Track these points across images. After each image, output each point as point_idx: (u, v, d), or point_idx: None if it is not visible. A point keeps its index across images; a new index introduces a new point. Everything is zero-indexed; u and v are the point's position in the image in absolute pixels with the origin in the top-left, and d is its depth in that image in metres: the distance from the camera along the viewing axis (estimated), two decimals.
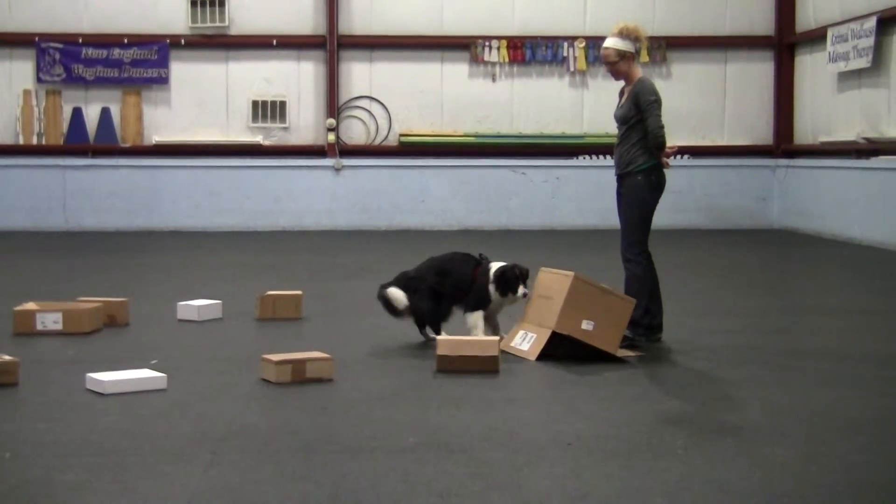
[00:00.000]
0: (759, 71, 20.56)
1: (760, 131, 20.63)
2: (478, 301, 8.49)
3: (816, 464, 5.52)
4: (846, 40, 17.81)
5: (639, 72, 8.72)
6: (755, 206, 20.47)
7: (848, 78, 18.14)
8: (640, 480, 5.25)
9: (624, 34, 8.59)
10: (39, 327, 8.97)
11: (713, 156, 20.36)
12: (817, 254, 16.52)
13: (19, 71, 19.67)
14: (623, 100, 8.73)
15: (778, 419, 6.42)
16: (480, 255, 8.81)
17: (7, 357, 7.22)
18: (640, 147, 8.53)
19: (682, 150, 19.27)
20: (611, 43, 8.59)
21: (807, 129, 19.86)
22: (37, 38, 19.51)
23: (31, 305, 9.20)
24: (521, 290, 8.37)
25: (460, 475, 5.31)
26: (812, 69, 19.63)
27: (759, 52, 20.55)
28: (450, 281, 8.62)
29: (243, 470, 5.37)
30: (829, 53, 18.40)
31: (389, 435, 5.98)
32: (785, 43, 20.30)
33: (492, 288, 8.45)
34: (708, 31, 20.35)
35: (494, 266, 8.57)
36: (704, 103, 20.43)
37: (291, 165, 19.95)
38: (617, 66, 8.61)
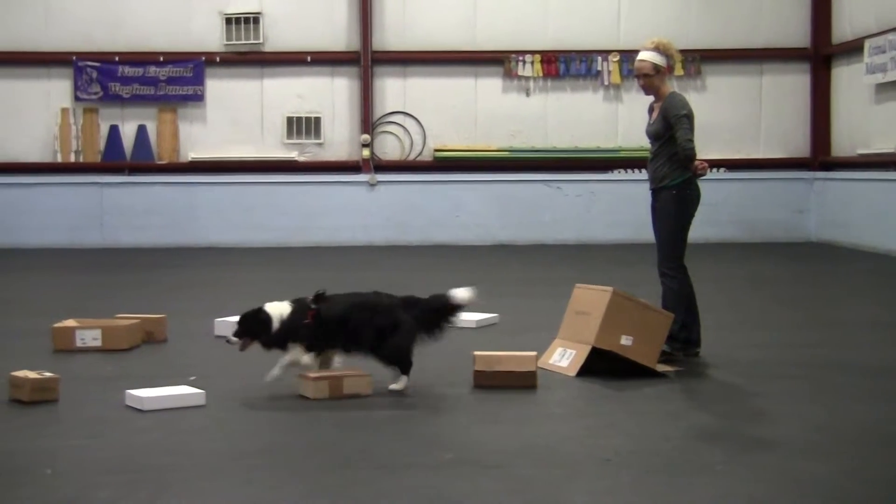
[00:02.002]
0: (794, 83, 20.44)
1: (797, 144, 20.50)
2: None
3: (855, 480, 5.47)
4: (883, 51, 17.68)
5: (669, 87, 8.70)
6: (792, 218, 20.32)
7: (885, 89, 18.00)
8: (679, 496, 5.21)
9: (660, 49, 8.57)
10: (79, 344, 9.03)
11: (749, 169, 20.25)
12: (855, 267, 16.38)
13: (57, 89, 19.85)
14: (654, 116, 8.71)
15: (816, 435, 6.36)
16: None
17: (48, 374, 7.27)
18: (673, 162, 8.49)
19: (717, 164, 19.18)
20: (647, 56, 8.57)
21: (844, 141, 19.72)
22: (74, 57, 19.68)
23: (70, 322, 9.26)
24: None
25: (497, 491, 5.29)
26: (849, 80, 19.50)
27: (795, 64, 20.42)
28: None
29: (280, 486, 5.37)
30: (867, 65, 18.27)
31: (426, 451, 5.97)
32: (821, 54, 20.18)
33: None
34: (742, 44, 20.26)
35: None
36: (740, 116, 20.33)
37: (326, 181, 20.01)
38: (652, 79, 8.58)
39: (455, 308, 7.57)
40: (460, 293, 7.57)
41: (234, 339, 7.54)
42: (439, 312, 7.56)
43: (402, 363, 7.50)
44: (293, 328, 7.47)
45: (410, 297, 7.69)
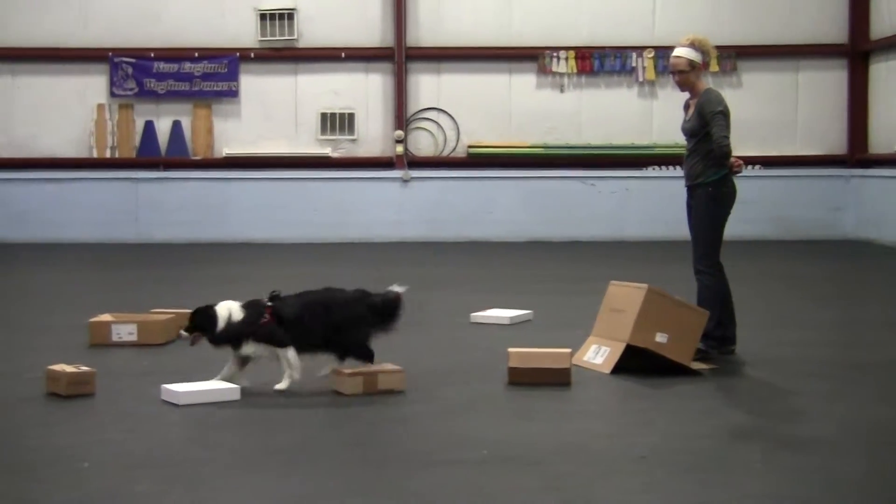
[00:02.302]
0: (831, 79, 20.28)
1: (833, 140, 20.35)
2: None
3: (889, 481, 5.43)
4: None
5: (705, 84, 8.65)
6: (828, 216, 20.16)
7: None
8: (715, 495, 5.18)
9: (696, 45, 8.52)
10: (115, 339, 9.08)
11: (785, 166, 20.11)
12: (891, 265, 16.25)
13: (93, 85, 19.96)
14: (689, 113, 8.66)
15: (854, 433, 6.32)
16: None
17: (84, 367, 7.32)
18: (709, 159, 8.44)
19: (753, 161, 19.07)
20: (683, 52, 8.52)
21: (881, 138, 19.55)
22: (110, 53, 19.79)
23: (106, 317, 9.32)
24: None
25: (533, 488, 5.28)
26: (887, 76, 19.33)
27: (832, 60, 20.26)
28: None
29: (316, 482, 5.39)
30: None
31: (461, 447, 5.97)
32: (858, 50, 20.01)
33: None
34: (778, 40, 20.11)
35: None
36: (775, 112, 20.19)
37: (359, 177, 20.03)
38: (687, 76, 8.53)
39: (399, 300, 7.66)
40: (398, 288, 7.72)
41: (185, 333, 7.57)
42: (388, 306, 7.65)
43: (362, 355, 7.55)
44: (250, 327, 7.43)
45: (361, 291, 7.77)
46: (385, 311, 7.64)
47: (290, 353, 7.43)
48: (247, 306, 7.52)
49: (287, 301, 7.58)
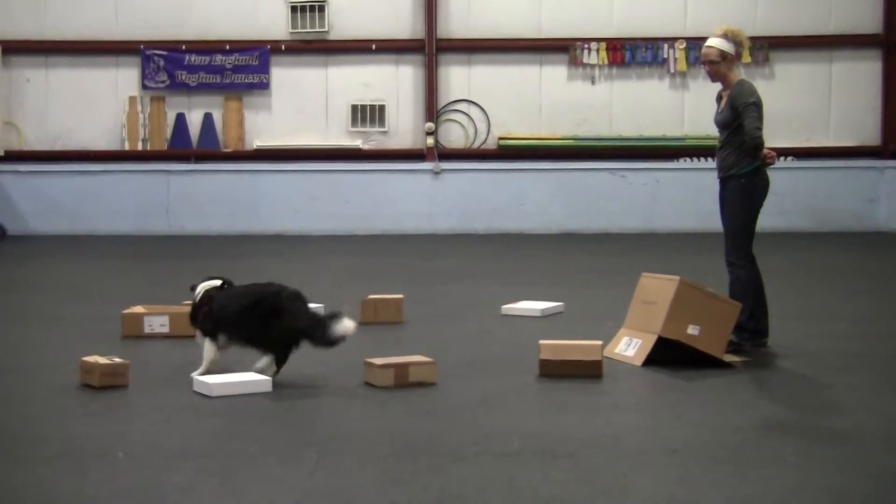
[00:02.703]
0: (866, 70, 20.12)
1: (868, 132, 20.19)
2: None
3: None
4: None
5: (737, 75, 8.60)
6: (862, 208, 20.02)
7: None
8: (749, 488, 5.16)
9: (728, 36, 8.48)
10: (147, 330, 9.13)
11: (818, 157, 19.96)
12: None
13: (125, 78, 20.06)
14: (722, 105, 8.62)
15: (889, 426, 6.27)
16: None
17: (118, 359, 7.36)
18: (741, 151, 8.39)
19: (786, 153, 18.95)
20: (714, 43, 8.48)
21: None
22: (142, 46, 19.87)
23: (138, 309, 9.37)
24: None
25: (566, 480, 5.27)
26: None
27: (867, 51, 20.10)
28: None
29: (349, 473, 5.40)
30: None
31: (494, 439, 5.96)
32: (893, 41, 19.83)
33: None
34: (812, 31, 19.96)
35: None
36: (809, 104, 20.05)
37: (390, 169, 20.04)
38: (718, 66, 8.49)
39: (329, 341, 7.33)
40: (342, 328, 7.28)
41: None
42: (322, 333, 7.32)
43: (278, 353, 7.37)
44: (194, 313, 7.64)
45: (299, 294, 7.51)
46: (318, 336, 7.33)
47: (206, 343, 7.49)
48: (205, 290, 7.68)
49: (227, 292, 7.62)
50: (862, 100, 20.11)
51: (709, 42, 8.54)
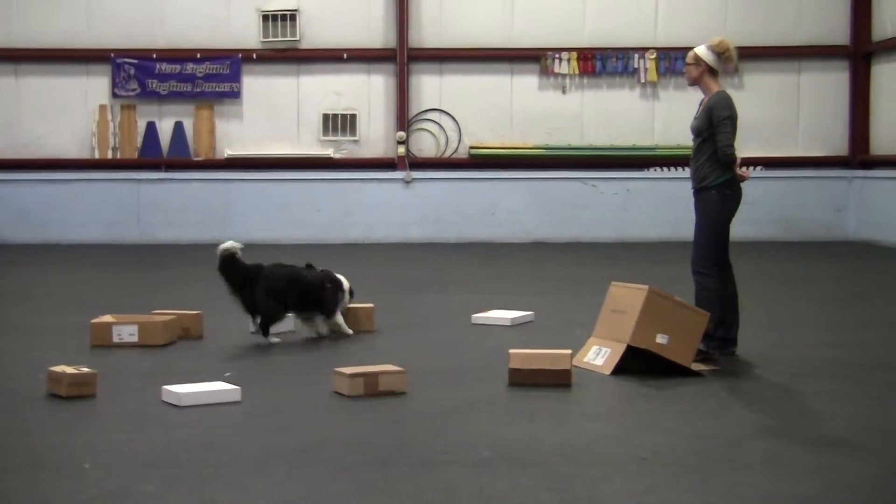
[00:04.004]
0: (834, 81, 20.28)
1: (835, 142, 20.35)
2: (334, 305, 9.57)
3: None
4: None
5: (718, 85, 8.66)
6: (831, 217, 20.17)
7: None
8: (718, 496, 5.18)
9: (712, 46, 8.59)
10: (116, 339, 9.09)
11: (787, 167, 20.11)
12: (893, 266, 16.24)
13: (95, 86, 19.98)
14: (699, 111, 8.69)
15: (858, 434, 6.31)
16: (309, 264, 9.81)
17: (86, 369, 7.32)
18: (714, 161, 8.45)
19: (755, 162, 19.09)
20: (696, 48, 8.63)
21: (883, 140, 19.55)
22: (112, 54, 19.80)
23: (107, 318, 9.32)
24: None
25: (535, 489, 5.28)
26: (889, 78, 19.32)
27: (834, 62, 20.27)
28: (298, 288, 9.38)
29: (319, 483, 5.39)
30: None
31: (463, 448, 5.97)
32: (860, 52, 20.01)
33: (347, 297, 9.68)
34: (781, 41, 20.12)
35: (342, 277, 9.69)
36: (778, 114, 20.19)
37: (362, 178, 20.04)
38: (690, 69, 8.65)
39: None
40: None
41: None
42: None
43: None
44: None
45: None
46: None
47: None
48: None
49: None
50: (830, 110, 20.27)
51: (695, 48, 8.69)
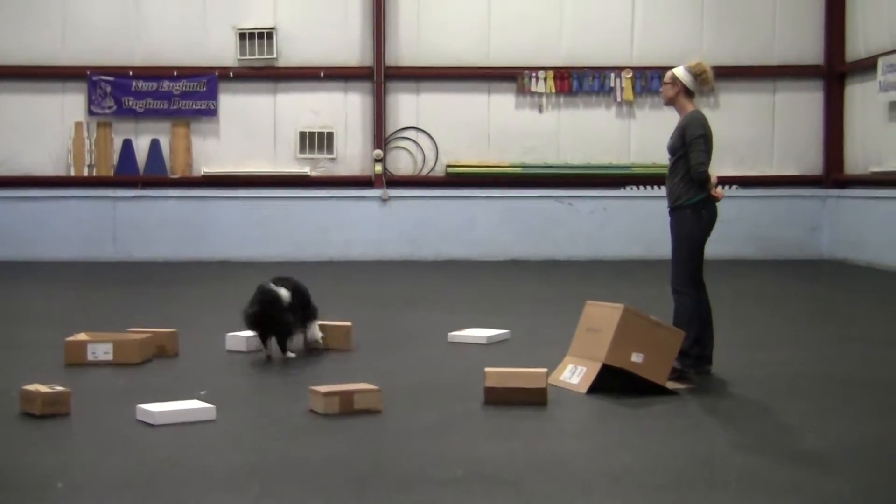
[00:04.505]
0: (808, 100, 20.42)
1: (810, 161, 20.48)
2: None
3: (873, 498, 5.44)
4: None
5: (692, 106, 8.71)
6: (805, 236, 20.28)
7: None
8: None
9: (690, 67, 8.65)
10: (90, 358, 9.04)
11: (762, 186, 20.22)
12: (869, 285, 16.34)
13: (71, 103, 19.92)
14: (674, 130, 8.74)
15: (832, 452, 6.34)
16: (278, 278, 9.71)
17: (59, 387, 7.28)
18: (687, 181, 8.50)
19: (730, 181, 19.17)
20: (674, 69, 8.69)
21: (857, 159, 19.69)
22: (88, 72, 19.76)
23: (82, 336, 9.28)
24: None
25: None
26: (862, 98, 19.47)
27: (809, 82, 20.41)
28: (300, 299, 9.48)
29: (293, 502, 5.37)
30: (880, 83, 18.25)
31: (438, 467, 5.96)
32: (835, 72, 20.16)
33: None
34: (756, 61, 20.25)
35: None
36: (753, 133, 20.30)
37: (339, 196, 20.04)
38: (667, 89, 8.71)
39: None
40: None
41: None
42: None
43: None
44: None
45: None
46: None
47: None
48: None
49: None
50: (804, 130, 20.40)
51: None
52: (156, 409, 6.98)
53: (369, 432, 6.76)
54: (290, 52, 20.06)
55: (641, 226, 19.44)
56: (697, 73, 8.65)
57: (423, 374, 8.72)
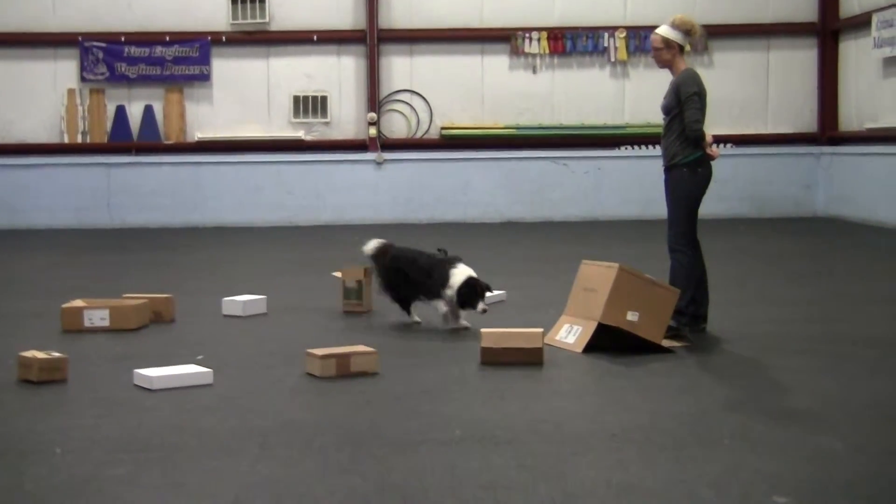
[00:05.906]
0: (802, 58, 20.37)
1: (804, 119, 20.45)
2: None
3: (866, 454, 5.47)
4: (891, 25, 17.61)
5: (684, 64, 8.68)
6: (800, 194, 20.30)
7: (893, 63, 17.94)
8: (685, 471, 5.22)
9: (675, 24, 8.58)
10: (87, 324, 9.06)
11: (757, 144, 20.21)
12: (863, 241, 16.36)
13: (63, 70, 19.85)
14: (668, 90, 8.71)
15: (826, 409, 6.37)
16: (439, 250, 9.61)
17: (56, 354, 7.30)
18: (682, 139, 8.48)
19: (725, 140, 19.16)
20: (660, 30, 8.59)
21: (852, 116, 19.67)
22: (80, 38, 19.67)
23: (78, 302, 9.29)
24: (479, 306, 8.64)
25: (506, 467, 5.30)
26: (856, 55, 19.42)
27: (803, 39, 20.35)
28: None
29: (290, 464, 5.40)
30: (874, 39, 18.20)
31: (435, 428, 5.99)
32: (828, 29, 20.09)
33: (452, 296, 8.78)
34: (750, 19, 20.18)
35: (458, 274, 8.89)
36: (747, 92, 20.27)
37: (333, 160, 20.01)
38: (661, 53, 8.61)
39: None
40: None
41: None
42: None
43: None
44: None
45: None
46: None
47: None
48: None
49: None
50: (799, 87, 20.37)
51: (656, 30, 8.63)
52: (153, 373, 7.00)
53: (366, 395, 6.79)
54: (282, 15, 19.97)
55: (636, 185, 19.44)
56: (683, 28, 8.58)
57: (419, 336, 8.74)
